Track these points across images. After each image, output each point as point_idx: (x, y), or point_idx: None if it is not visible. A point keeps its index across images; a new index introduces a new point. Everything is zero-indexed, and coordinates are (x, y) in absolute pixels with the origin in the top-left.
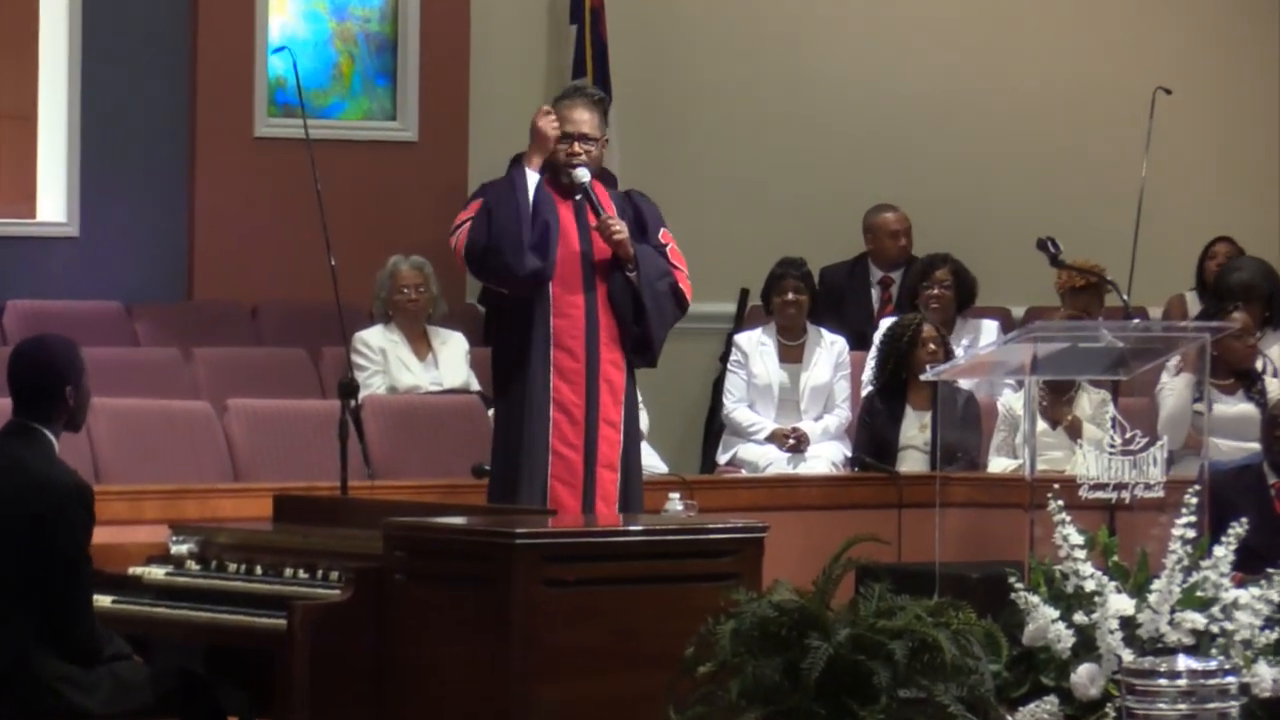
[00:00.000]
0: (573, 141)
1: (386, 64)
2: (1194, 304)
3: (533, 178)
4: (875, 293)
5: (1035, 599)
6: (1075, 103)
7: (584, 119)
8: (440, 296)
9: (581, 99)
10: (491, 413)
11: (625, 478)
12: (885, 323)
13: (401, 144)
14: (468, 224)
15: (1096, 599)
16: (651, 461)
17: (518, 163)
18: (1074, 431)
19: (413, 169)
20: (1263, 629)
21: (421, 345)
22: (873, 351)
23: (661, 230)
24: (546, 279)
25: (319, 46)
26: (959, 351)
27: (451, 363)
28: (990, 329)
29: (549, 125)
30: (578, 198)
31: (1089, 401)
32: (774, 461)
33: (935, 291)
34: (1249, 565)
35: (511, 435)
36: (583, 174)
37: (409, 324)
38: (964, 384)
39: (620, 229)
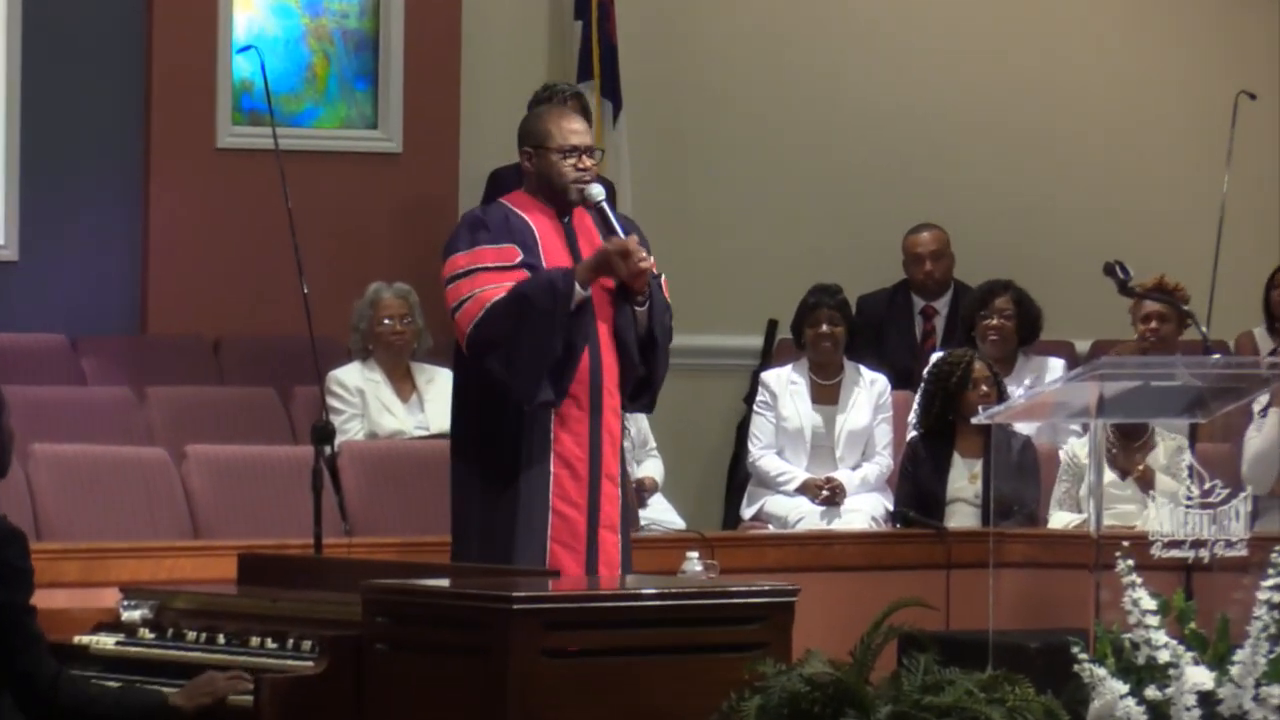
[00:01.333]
0: (580, 155)
1: (366, 65)
2: (1264, 341)
3: (580, 296)
4: (918, 323)
5: (1102, 671)
6: (1146, 110)
7: (586, 129)
8: (426, 329)
9: (574, 104)
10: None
11: (625, 541)
12: (935, 358)
13: (383, 155)
14: (480, 301)
15: (1171, 671)
16: (667, 516)
17: (495, 180)
18: (1146, 482)
19: (396, 184)
20: None
21: (405, 384)
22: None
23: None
24: (554, 409)
25: (290, 45)
26: (1016, 391)
27: (439, 404)
28: (1056, 368)
29: (630, 266)
30: (565, 219)
31: (1163, 448)
32: (806, 516)
33: (994, 322)
34: None
35: (501, 492)
36: (598, 191)
37: (391, 360)
38: (1020, 428)
39: (648, 257)
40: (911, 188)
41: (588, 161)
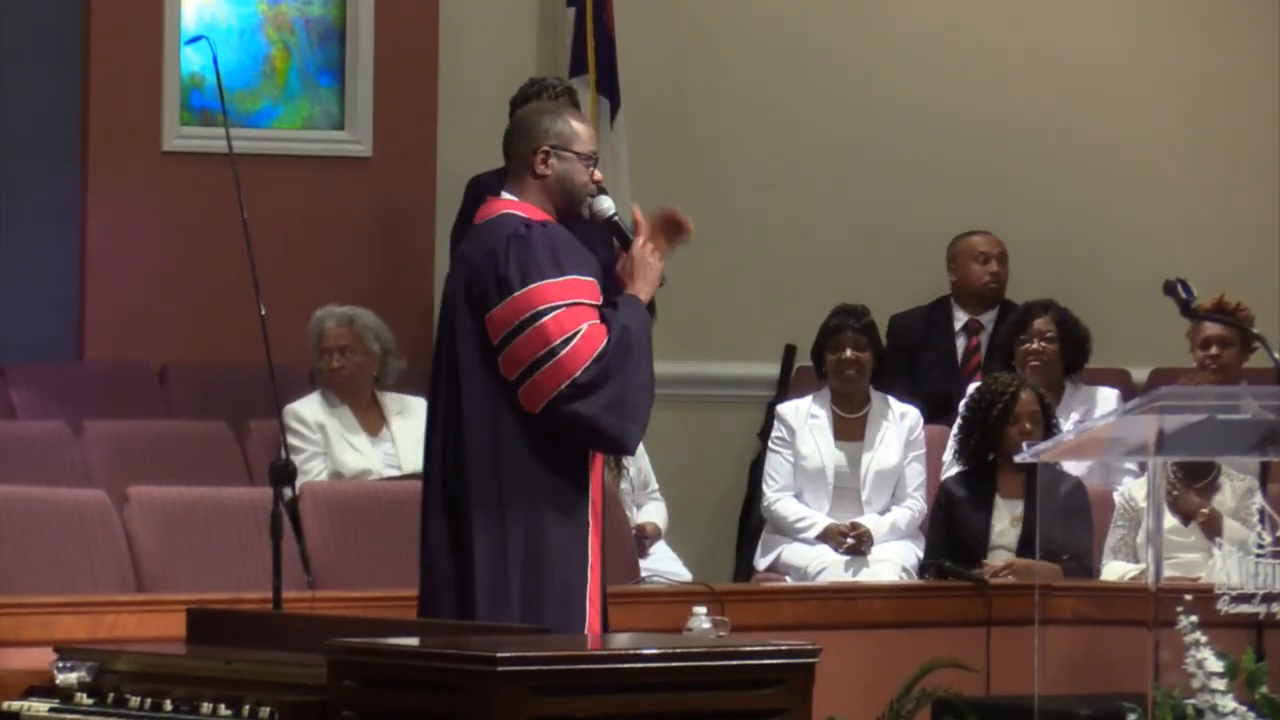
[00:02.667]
0: (595, 164)
1: (332, 58)
2: None
3: None
4: (960, 341)
5: None
6: (1211, 112)
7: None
8: (393, 353)
9: (566, 102)
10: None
11: None
12: (973, 387)
13: (351, 160)
14: (591, 339)
15: None
16: (671, 567)
17: (476, 187)
18: (1211, 528)
19: (366, 192)
20: None
21: (371, 417)
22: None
23: None
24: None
25: (246, 35)
26: (1065, 425)
27: (411, 438)
28: (1109, 398)
29: (661, 265)
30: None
31: (1231, 490)
32: (828, 566)
33: (1034, 346)
34: None
35: (546, 549)
36: (608, 204)
37: (350, 393)
38: (1070, 468)
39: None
40: (947, 198)
41: (598, 173)
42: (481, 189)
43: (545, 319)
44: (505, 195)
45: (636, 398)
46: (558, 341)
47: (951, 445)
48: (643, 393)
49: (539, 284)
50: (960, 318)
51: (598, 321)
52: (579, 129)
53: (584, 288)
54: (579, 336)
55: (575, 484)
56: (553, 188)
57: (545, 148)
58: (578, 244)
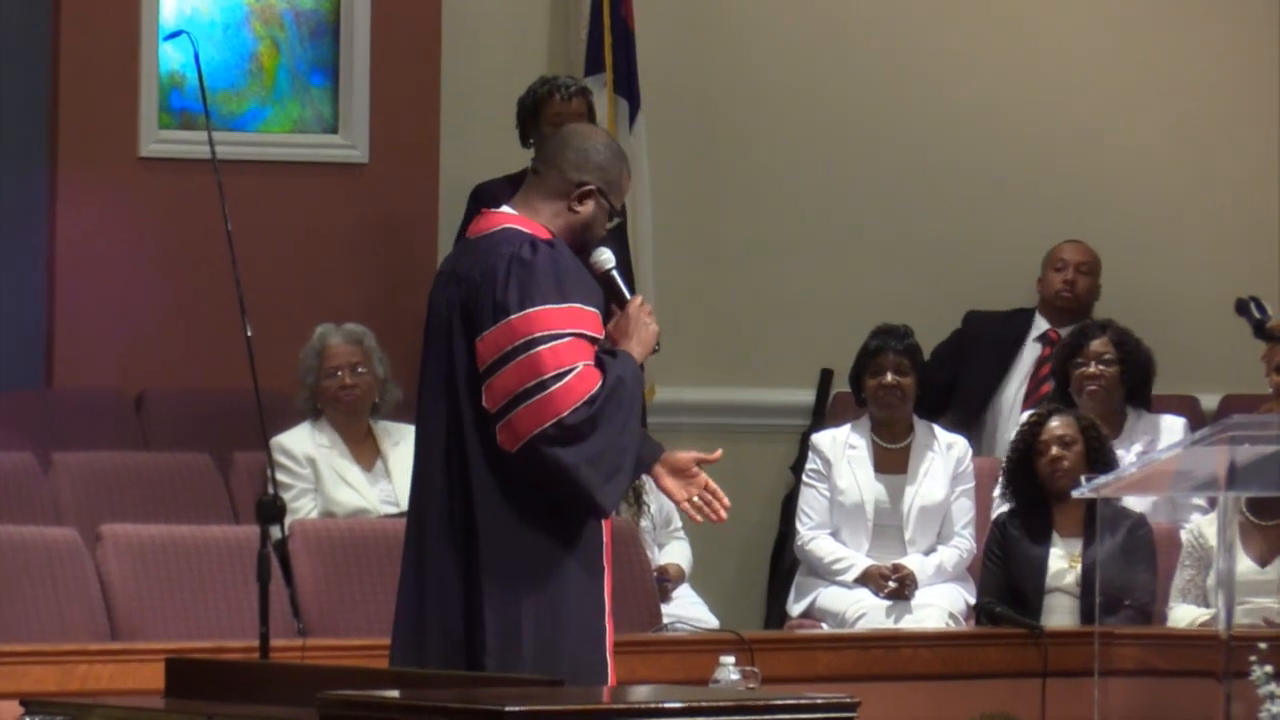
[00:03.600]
0: (614, 221)
1: (325, 55)
2: None
3: None
4: (1032, 351)
5: None
6: None
7: None
8: (390, 380)
9: (579, 103)
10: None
11: None
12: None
13: (345, 166)
14: (587, 379)
15: None
16: (696, 612)
17: (479, 198)
18: None
19: (362, 201)
20: None
21: (365, 449)
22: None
23: None
24: None
25: (230, 30)
26: (1128, 456)
27: (409, 471)
28: (1175, 428)
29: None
30: None
31: None
32: (868, 612)
33: (1091, 370)
34: None
35: (567, 598)
36: (607, 256)
37: (347, 421)
38: (1132, 503)
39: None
40: (997, 212)
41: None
42: (484, 199)
43: (541, 348)
44: (507, 209)
45: (618, 459)
46: (550, 375)
47: (1000, 482)
48: (624, 455)
49: (538, 309)
50: (1040, 325)
51: (593, 364)
52: (626, 184)
53: (586, 318)
54: (573, 374)
55: (591, 522)
56: (575, 225)
57: (593, 186)
58: (584, 270)
